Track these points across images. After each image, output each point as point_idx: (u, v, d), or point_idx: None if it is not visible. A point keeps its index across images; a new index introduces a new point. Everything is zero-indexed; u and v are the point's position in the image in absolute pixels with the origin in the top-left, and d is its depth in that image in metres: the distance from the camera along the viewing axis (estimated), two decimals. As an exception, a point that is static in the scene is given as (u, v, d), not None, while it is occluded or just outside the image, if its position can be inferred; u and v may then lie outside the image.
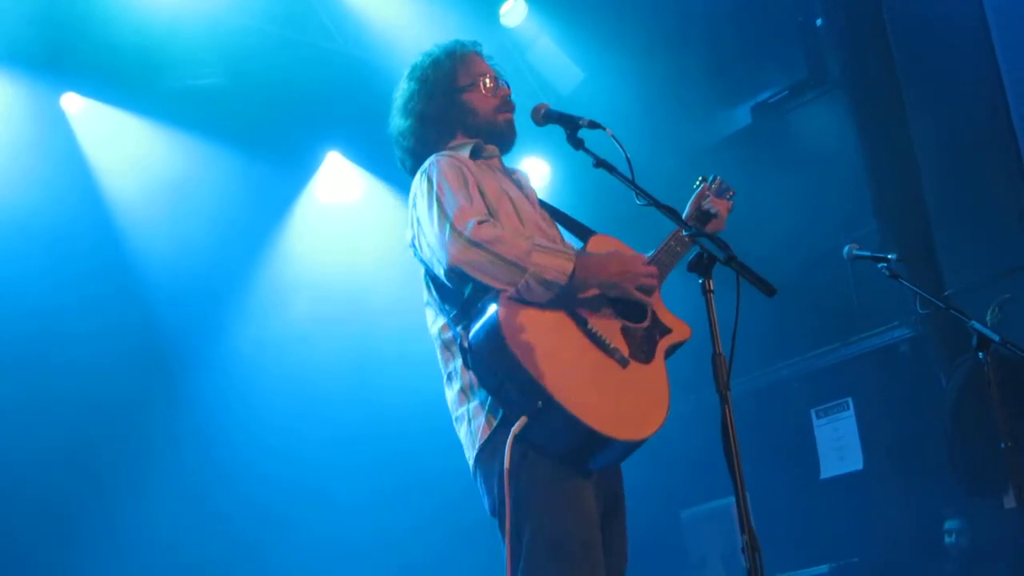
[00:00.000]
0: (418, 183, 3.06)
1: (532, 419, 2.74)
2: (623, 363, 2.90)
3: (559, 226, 3.32)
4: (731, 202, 3.47)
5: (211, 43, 6.60)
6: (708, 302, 2.62)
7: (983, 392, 3.94)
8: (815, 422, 7.16)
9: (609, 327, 2.94)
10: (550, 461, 2.79)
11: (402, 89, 3.34)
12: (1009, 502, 5.45)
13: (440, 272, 2.91)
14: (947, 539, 5.94)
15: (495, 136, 3.29)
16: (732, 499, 2.45)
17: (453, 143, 3.26)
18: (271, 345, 7.24)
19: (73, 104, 6.73)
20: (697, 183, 3.52)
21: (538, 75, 8.11)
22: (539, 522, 2.77)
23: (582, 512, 2.81)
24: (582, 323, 2.90)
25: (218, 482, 6.66)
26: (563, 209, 3.41)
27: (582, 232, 3.30)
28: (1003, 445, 3.86)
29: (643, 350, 2.97)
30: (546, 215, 3.29)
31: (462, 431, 2.98)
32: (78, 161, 6.73)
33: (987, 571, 5.81)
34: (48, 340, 6.19)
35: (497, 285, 2.82)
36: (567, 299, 2.88)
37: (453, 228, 2.84)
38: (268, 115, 7.14)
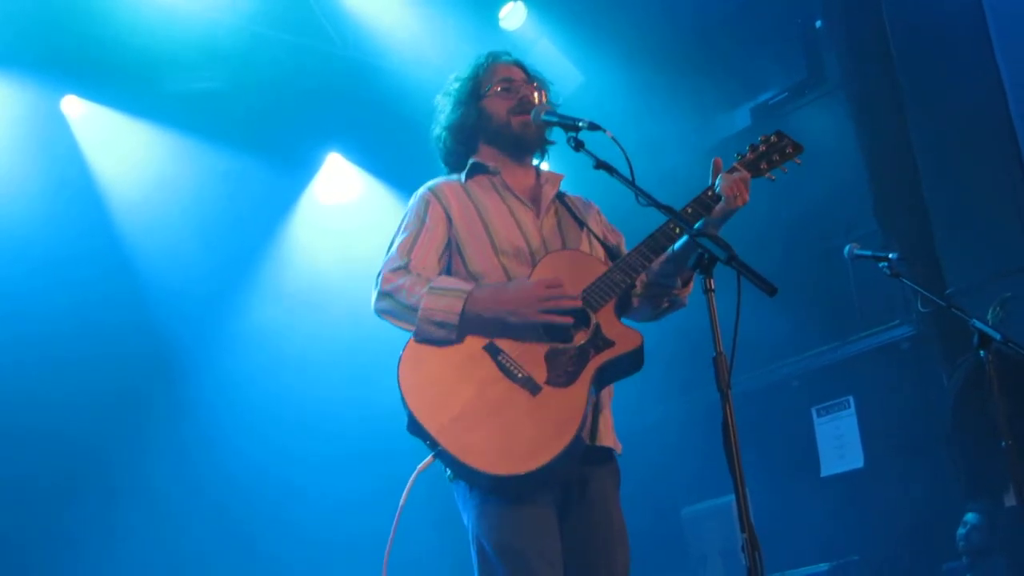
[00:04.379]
0: None
1: (436, 456, 2.88)
2: (534, 391, 2.87)
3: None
4: (748, 172, 3.20)
5: (211, 46, 6.63)
6: (709, 301, 2.63)
7: (984, 391, 3.95)
8: (816, 420, 7.15)
9: (529, 353, 2.92)
10: (485, 485, 2.88)
11: (437, 103, 3.47)
12: (1009, 500, 5.45)
13: None
14: (961, 529, 5.87)
15: (510, 140, 3.33)
16: (732, 497, 2.46)
17: (475, 155, 3.35)
18: (271, 344, 7.25)
19: (73, 107, 6.75)
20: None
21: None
22: (485, 537, 2.91)
23: (524, 526, 2.88)
24: (495, 354, 2.92)
25: (218, 480, 6.68)
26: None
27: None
28: (1004, 444, 3.87)
29: (566, 372, 2.90)
30: (555, 225, 3.28)
31: None
32: (78, 164, 6.76)
33: (987, 569, 5.79)
34: (49, 341, 6.21)
35: (407, 328, 3.00)
36: (480, 332, 2.94)
37: (378, 276, 3.10)
38: (268, 117, 7.16)
